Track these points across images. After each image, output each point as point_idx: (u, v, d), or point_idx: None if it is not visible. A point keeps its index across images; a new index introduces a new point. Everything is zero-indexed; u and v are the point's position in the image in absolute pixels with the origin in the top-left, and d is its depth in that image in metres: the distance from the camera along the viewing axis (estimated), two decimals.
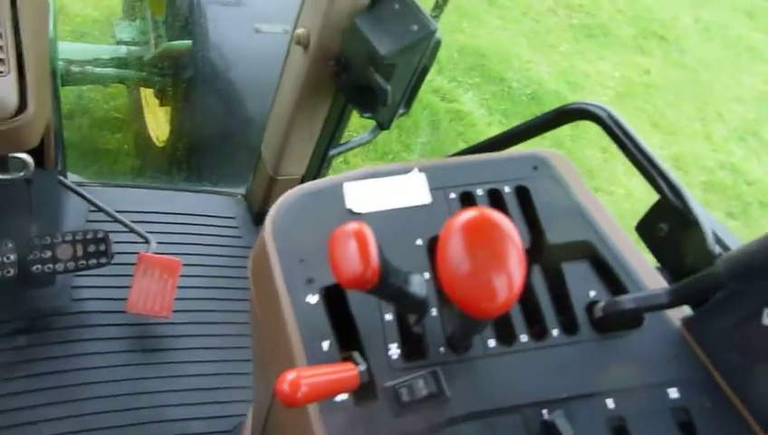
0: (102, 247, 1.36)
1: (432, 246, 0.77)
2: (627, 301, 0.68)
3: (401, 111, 1.46)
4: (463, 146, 3.76)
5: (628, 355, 0.69)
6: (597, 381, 0.67)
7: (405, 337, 0.70)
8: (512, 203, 0.81)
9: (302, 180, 1.72)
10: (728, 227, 0.93)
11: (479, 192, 0.81)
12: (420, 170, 0.83)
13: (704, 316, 0.69)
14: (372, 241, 0.59)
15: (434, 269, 0.75)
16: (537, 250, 0.77)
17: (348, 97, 1.43)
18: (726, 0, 5.65)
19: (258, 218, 1.80)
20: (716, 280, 0.58)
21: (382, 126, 1.45)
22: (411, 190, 0.82)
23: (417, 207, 0.80)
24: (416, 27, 1.27)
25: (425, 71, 1.38)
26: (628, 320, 0.71)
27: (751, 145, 4.38)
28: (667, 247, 0.88)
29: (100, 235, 1.37)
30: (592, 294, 0.73)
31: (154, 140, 2.60)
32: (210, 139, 2.10)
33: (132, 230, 1.54)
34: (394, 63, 1.28)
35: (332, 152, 1.71)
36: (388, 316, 0.70)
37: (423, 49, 1.31)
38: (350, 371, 0.62)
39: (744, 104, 4.69)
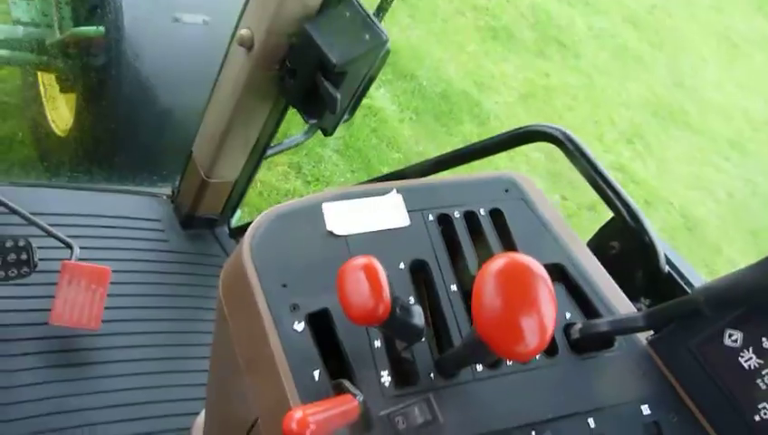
0: (24, 256, 1.25)
1: (414, 269, 0.78)
2: (603, 323, 0.73)
3: (345, 117, 1.45)
4: (375, 141, 3.80)
5: (603, 375, 0.74)
6: (578, 400, 0.71)
7: (394, 364, 0.70)
8: (487, 225, 0.84)
9: (236, 184, 1.67)
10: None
11: (456, 214, 0.83)
12: (397, 191, 0.84)
13: (668, 337, 0.75)
14: (383, 276, 0.60)
15: (418, 293, 0.77)
16: None
17: (293, 102, 1.41)
18: (614, 9, 6.06)
19: (187, 222, 1.73)
20: (695, 308, 0.64)
21: (326, 132, 1.44)
22: (389, 212, 0.82)
23: (396, 229, 0.81)
24: (367, 36, 1.27)
25: (372, 79, 1.39)
26: (602, 341, 0.76)
27: (637, 147, 4.75)
28: (618, 265, 0.94)
29: (22, 242, 1.26)
30: (568, 316, 0.77)
31: (54, 129, 2.42)
32: (126, 133, 1.98)
33: (52, 235, 1.43)
34: (344, 72, 1.28)
35: (267, 154, 1.67)
36: (377, 343, 0.71)
37: (373, 58, 1.31)
38: (351, 403, 0.62)
39: (631, 109, 5.07)
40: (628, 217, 0.91)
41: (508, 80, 4.67)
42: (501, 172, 0.89)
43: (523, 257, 0.54)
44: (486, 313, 0.52)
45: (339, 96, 1.28)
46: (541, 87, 4.74)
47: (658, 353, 0.76)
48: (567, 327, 0.76)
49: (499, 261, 0.53)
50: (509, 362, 0.73)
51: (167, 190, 1.82)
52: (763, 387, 0.67)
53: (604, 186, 0.94)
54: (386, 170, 3.55)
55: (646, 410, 0.72)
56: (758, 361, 0.68)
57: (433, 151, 3.77)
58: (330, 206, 0.80)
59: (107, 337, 1.41)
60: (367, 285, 0.58)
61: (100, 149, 1.95)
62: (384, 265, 0.76)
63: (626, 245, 0.95)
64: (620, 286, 0.91)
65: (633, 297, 0.93)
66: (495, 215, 0.85)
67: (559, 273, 0.81)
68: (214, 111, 1.53)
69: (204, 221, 1.74)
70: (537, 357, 0.74)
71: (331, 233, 0.78)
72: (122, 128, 1.97)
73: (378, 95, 3.93)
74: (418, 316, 0.65)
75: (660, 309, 0.69)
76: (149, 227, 1.67)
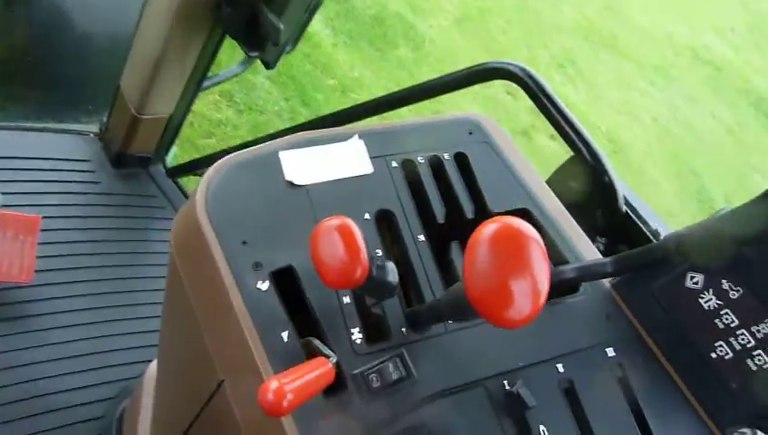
0: None
1: (380, 219, 0.76)
2: (571, 270, 0.73)
3: (288, 48, 1.37)
4: (309, 68, 3.65)
5: (569, 320, 0.75)
6: (546, 347, 0.72)
7: (365, 319, 0.69)
8: (452, 171, 0.81)
9: (170, 120, 1.57)
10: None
11: (420, 160, 0.81)
12: (359, 137, 0.80)
13: (632, 280, 0.76)
14: (360, 237, 0.57)
15: (385, 244, 0.74)
16: (481, 219, 0.79)
17: (231, 33, 1.31)
18: None
19: (118, 160, 1.62)
20: (665, 255, 0.65)
21: (268, 65, 1.36)
22: (351, 159, 0.79)
23: (359, 177, 0.77)
24: None
25: (316, 7, 1.30)
26: (568, 286, 0.76)
27: (568, 72, 4.80)
28: (577, 205, 0.95)
29: None
30: None
31: None
32: (43, 64, 1.80)
33: None
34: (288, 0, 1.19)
35: (203, 86, 1.57)
36: (346, 299, 0.69)
37: None
38: (325, 366, 0.60)
39: (563, 33, 5.08)
40: (588, 157, 0.91)
41: (442, 2, 4.56)
42: (465, 114, 0.87)
43: (514, 221, 0.52)
44: (479, 281, 0.50)
45: (282, 26, 1.20)
46: (475, 9, 4.66)
47: (622, 296, 0.77)
48: None
49: (491, 226, 0.51)
50: None
51: (93, 128, 1.68)
52: (721, 326, 0.70)
53: (565, 125, 0.93)
54: (320, 98, 3.44)
55: (611, 352, 0.74)
56: (717, 301, 0.71)
57: (369, 77, 3.68)
58: (287, 154, 0.76)
59: (42, 288, 1.33)
60: (343, 248, 0.55)
61: (15, 83, 1.77)
62: (349, 215, 0.73)
63: (585, 184, 0.95)
64: (578, 225, 0.92)
65: (591, 236, 0.95)
66: (460, 159, 0.83)
67: (525, 218, 0.80)
68: (143, 39, 1.40)
69: (137, 160, 1.63)
70: None
71: (290, 183, 0.74)
72: (39, 58, 1.78)
73: None
74: (393, 273, 0.63)
75: (629, 255, 0.70)
76: (77, 168, 1.56)
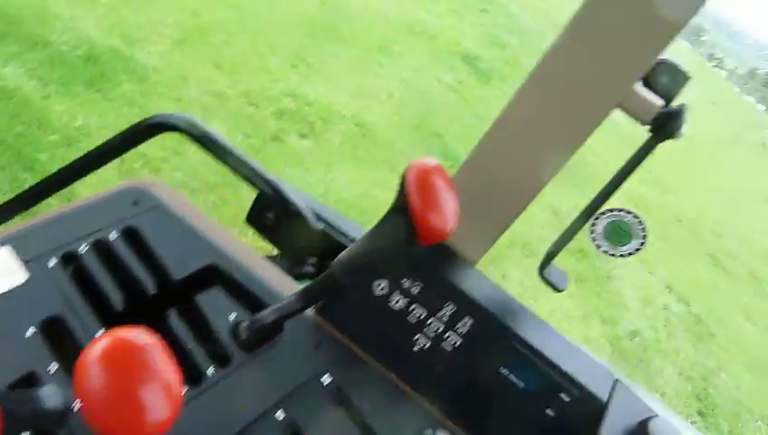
0: None
1: (48, 330, 0.68)
2: (267, 315, 0.74)
3: None
4: (22, 128, 3.30)
5: (280, 361, 0.76)
6: (262, 398, 0.72)
7: None
8: (122, 250, 0.78)
9: None
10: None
11: (82, 249, 0.76)
12: (3, 244, 0.72)
13: (330, 302, 0.80)
14: None
15: (60, 358, 0.68)
16: (167, 292, 0.76)
17: None
18: None
19: None
20: (336, 280, 0.68)
21: None
22: None
23: (11, 291, 0.69)
24: None
25: None
26: (272, 330, 0.77)
27: (302, 70, 4.93)
28: (279, 234, 0.98)
29: None
30: (233, 316, 0.77)
31: None
32: None
33: None
34: None
35: None
36: None
37: None
38: None
39: (286, 33, 5.20)
40: (268, 190, 0.93)
41: (157, 27, 4.39)
42: (125, 183, 0.84)
43: (126, 336, 0.46)
44: (91, 404, 0.45)
45: None
46: (193, 28, 4.56)
47: (326, 318, 0.81)
48: (234, 328, 0.76)
49: (97, 347, 0.47)
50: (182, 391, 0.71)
51: None
52: (414, 321, 0.78)
53: (239, 166, 0.94)
54: (44, 157, 3.12)
55: (326, 379, 0.76)
56: (404, 300, 0.77)
57: (95, 123, 3.43)
58: None
59: None
60: None
61: None
62: (6, 339, 0.65)
63: (279, 213, 0.98)
64: (289, 253, 0.95)
65: (301, 258, 0.98)
66: (130, 234, 0.79)
67: (213, 274, 0.80)
68: None
69: None
70: (210, 373, 0.72)
71: None
72: None
73: (7, 73, 3.37)
74: (53, 397, 0.53)
75: (311, 287, 0.72)
76: None
